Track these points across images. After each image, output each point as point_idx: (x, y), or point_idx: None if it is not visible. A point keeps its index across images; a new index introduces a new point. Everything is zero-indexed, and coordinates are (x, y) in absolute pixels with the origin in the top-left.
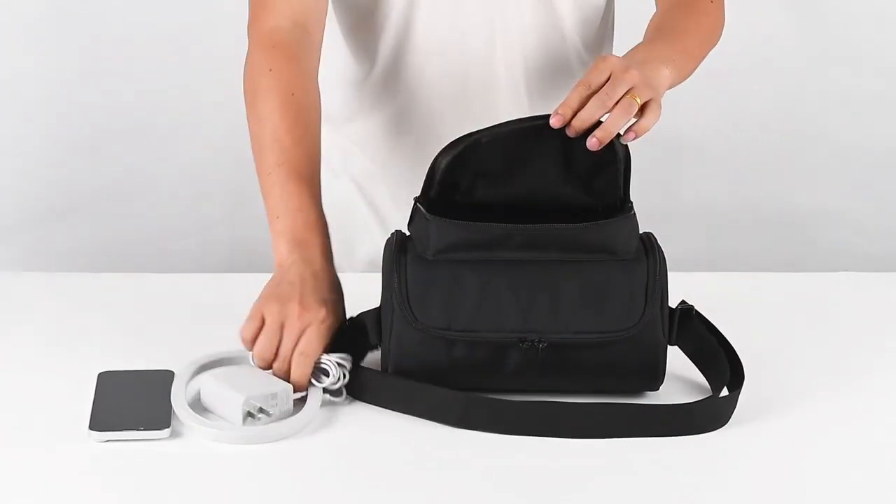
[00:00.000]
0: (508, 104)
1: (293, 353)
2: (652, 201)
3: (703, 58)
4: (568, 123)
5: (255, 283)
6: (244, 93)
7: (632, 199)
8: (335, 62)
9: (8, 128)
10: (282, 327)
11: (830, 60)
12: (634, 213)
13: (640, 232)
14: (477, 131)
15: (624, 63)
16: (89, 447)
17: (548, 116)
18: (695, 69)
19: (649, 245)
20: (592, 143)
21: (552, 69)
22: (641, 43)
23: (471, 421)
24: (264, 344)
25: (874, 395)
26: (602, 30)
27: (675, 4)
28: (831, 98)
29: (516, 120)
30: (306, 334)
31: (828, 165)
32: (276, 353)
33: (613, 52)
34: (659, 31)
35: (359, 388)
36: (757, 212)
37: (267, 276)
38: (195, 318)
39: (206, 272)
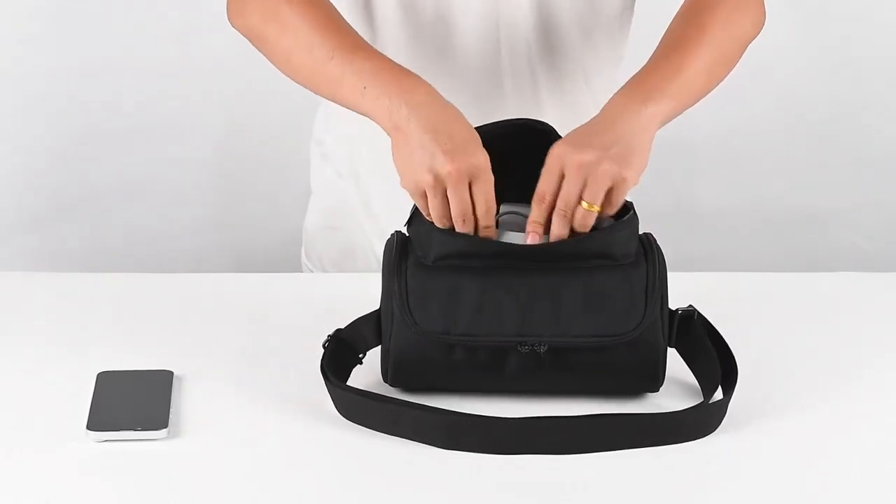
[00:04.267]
0: (515, 100)
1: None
2: (652, 201)
3: (726, 64)
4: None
5: (254, 284)
6: (245, 13)
7: (632, 199)
8: None
9: (8, 128)
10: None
11: (831, 61)
12: (634, 214)
13: (640, 233)
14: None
15: (572, 148)
16: (89, 447)
17: (540, 122)
18: (708, 87)
19: (648, 247)
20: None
21: (554, 45)
22: (627, 85)
23: (457, 442)
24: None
25: (874, 394)
26: (606, 35)
27: (688, 6)
28: (831, 98)
29: (512, 121)
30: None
31: (828, 165)
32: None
33: (623, 50)
34: (663, 45)
35: (344, 409)
36: (757, 212)
37: (267, 277)
38: (195, 318)
39: (205, 272)
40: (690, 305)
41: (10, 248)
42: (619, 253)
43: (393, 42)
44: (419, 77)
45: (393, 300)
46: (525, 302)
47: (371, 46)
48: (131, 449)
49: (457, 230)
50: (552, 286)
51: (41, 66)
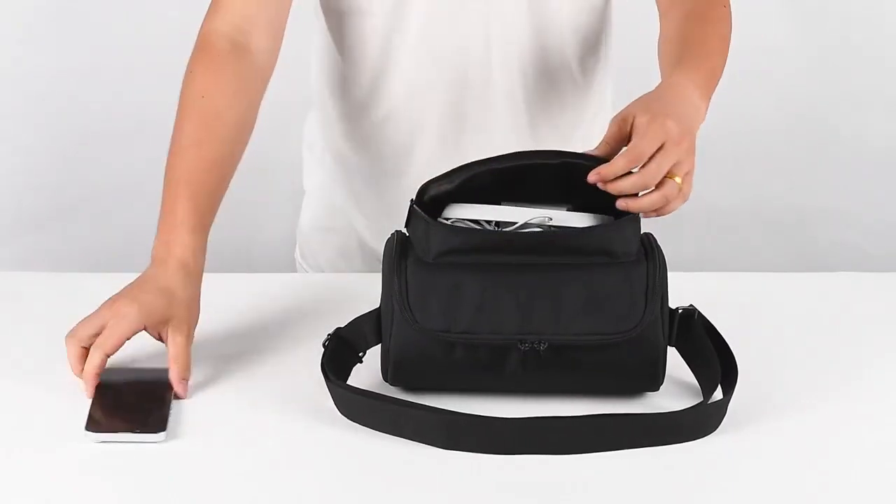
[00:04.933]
0: (505, 113)
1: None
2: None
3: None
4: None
5: (254, 284)
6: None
7: None
8: (328, 68)
9: (8, 128)
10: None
11: (830, 60)
12: (637, 215)
13: (641, 233)
14: (472, 164)
15: (679, 128)
16: (88, 447)
17: (546, 153)
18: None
19: (649, 246)
20: (620, 203)
21: (549, 75)
22: (682, 71)
23: (457, 442)
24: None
25: (874, 394)
26: (596, 37)
27: (689, 15)
28: (831, 98)
29: (514, 154)
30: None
31: (828, 165)
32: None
33: (609, 57)
34: (688, 49)
35: (344, 408)
36: (757, 212)
37: (266, 277)
38: None
39: (205, 272)
40: (691, 305)
41: (10, 248)
42: (621, 251)
43: (385, 59)
44: (170, 257)
45: (393, 298)
46: (525, 300)
47: (189, 186)
48: (131, 449)
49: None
50: (552, 284)
51: (41, 66)
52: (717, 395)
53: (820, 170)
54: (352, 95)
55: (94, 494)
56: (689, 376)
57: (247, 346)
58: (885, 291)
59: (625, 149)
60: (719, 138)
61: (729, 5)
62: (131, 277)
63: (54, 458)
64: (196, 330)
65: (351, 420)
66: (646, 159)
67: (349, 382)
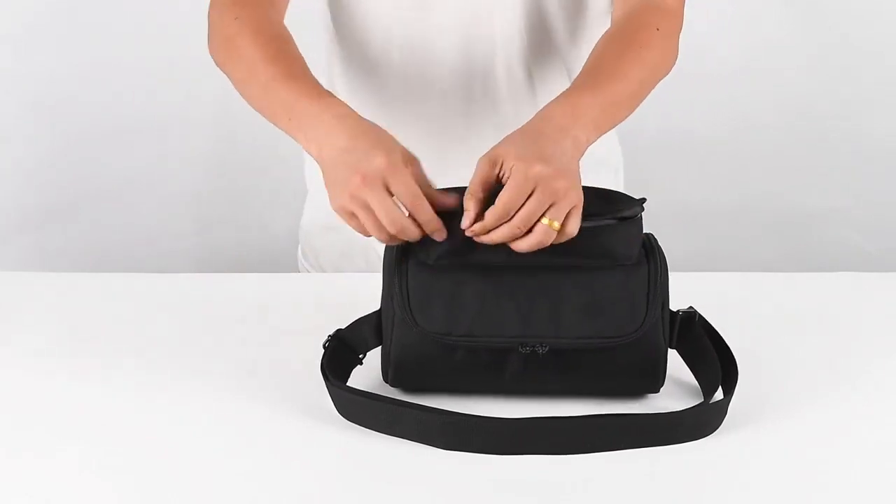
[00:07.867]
0: (509, 98)
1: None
2: (652, 201)
3: (643, 98)
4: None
5: (255, 284)
6: (215, 48)
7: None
8: (330, 56)
9: (7, 128)
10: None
11: (830, 60)
12: (640, 218)
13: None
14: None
15: (550, 169)
16: (88, 447)
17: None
18: (630, 114)
19: (650, 248)
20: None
21: (544, 52)
22: (573, 97)
23: (457, 443)
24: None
25: (874, 394)
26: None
27: (615, 35)
28: (831, 98)
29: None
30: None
31: (828, 165)
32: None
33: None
34: (592, 72)
35: (344, 409)
36: (757, 212)
37: (267, 277)
38: (195, 318)
39: (206, 272)
40: (691, 307)
41: (10, 248)
42: (622, 253)
43: (380, 59)
44: (331, 102)
45: (394, 300)
46: (526, 303)
47: (305, 74)
48: (131, 449)
49: (400, 237)
50: (553, 287)
51: (41, 66)
52: (718, 395)
53: (820, 170)
54: (351, 92)
55: (95, 494)
56: (689, 377)
57: (247, 345)
58: (885, 291)
59: (498, 200)
60: (719, 138)
61: (669, 32)
62: (131, 277)
63: (54, 458)
64: (196, 330)
65: (350, 421)
66: (514, 211)
67: (349, 383)
